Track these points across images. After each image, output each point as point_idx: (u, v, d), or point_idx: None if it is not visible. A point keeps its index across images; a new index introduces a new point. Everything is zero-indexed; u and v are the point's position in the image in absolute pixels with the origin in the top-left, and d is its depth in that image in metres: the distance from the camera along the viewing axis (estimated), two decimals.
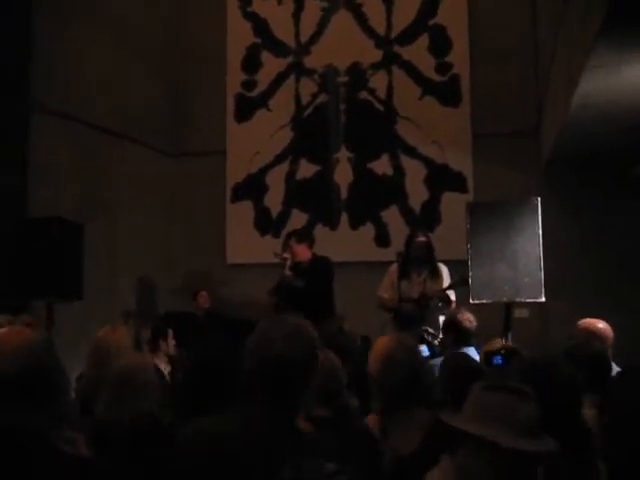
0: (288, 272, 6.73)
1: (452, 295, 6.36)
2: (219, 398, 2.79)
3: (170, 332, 5.88)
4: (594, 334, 4.26)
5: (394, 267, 6.49)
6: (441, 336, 6.21)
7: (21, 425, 1.86)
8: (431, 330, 5.27)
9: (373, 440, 2.64)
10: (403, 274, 6.38)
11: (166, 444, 2.27)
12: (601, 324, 4.38)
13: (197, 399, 2.88)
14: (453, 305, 6.33)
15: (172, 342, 5.83)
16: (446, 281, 6.33)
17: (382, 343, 2.80)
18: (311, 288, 6.59)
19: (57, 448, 1.91)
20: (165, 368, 5.47)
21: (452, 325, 5.01)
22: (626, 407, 2.13)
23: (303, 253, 6.89)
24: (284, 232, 8.91)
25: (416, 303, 6.25)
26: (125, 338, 3.93)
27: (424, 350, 4.69)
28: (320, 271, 6.77)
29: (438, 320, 6.16)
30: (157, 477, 2.28)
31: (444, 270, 6.45)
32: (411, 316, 6.17)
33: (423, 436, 2.51)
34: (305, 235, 7.29)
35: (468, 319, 4.97)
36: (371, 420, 2.69)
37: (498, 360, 3.79)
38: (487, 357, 3.89)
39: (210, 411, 2.16)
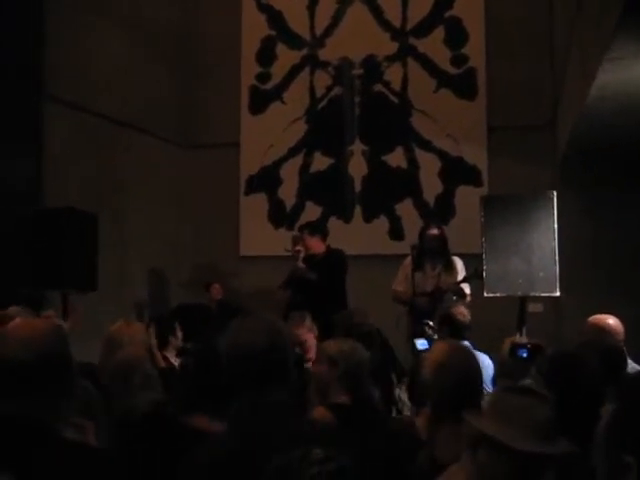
0: (301, 264, 6.72)
1: (467, 289, 6.34)
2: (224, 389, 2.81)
3: (177, 325, 5.88)
4: (604, 330, 4.19)
5: (408, 260, 6.48)
6: None
7: (23, 413, 1.86)
8: (432, 324, 5.26)
9: (395, 433, 2.63)
10: (417, 267, 6.38)
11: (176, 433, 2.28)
12: (611, 320, 4.31)
13: (202, 389, 2.89)
14: (468, 299, 6.32)
15: (180, 335, 5.84)
16: (461, 274, 6.31)
17: (438, 348, 2.80)
18: (324, 281, 6.58)
19: (59, 435, 1.92)
20: (175, 361, 5.48)
21: (446, 319, 5.02)
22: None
23: (316, 246, 6.88)
24: (297, 225, 8.92)
25: (430, 297, 6.23)
26: (139, 333, 3.96)
27: (423, 344, 4.67)
28: (333, 264, 6.77)
29: None
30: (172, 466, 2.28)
31: (459, 263, 6.44)
32: (425, 310, 6.15)
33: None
34: (318, 228, 7.29)
35: (462, 313, 4.98)
36: (420, 421, 2.67)
37: (523, 353, 3.80)
38: (513, 349, 3.90)
39: (215, 402, 2.18)
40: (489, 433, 2.01)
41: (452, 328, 4.92)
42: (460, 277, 6.29)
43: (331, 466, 1.58)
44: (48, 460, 1.82)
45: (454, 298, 6.25)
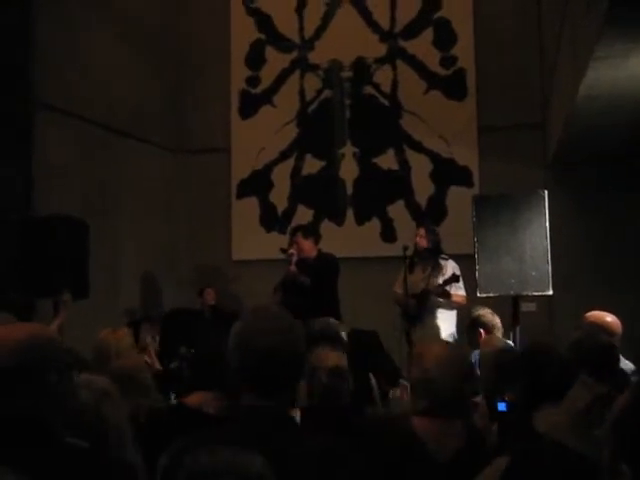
0: (293, 268, 6.71)
1: (461, 290, 6.38)
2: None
3: (147, 326, 5.90)
4: (601, 327, 4.19)
5: (407, 262, 6.55)
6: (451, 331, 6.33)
7: (25, 414, 1.87)
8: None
9: (374, 436, 2.63)
10: (410, 269, 6.45)
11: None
12: (609, 317, 4.31)
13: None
14: (458, 299, 6.36)
15: (157, 338, 5.86)
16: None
17: (433, 348, 2.79)
18: (315, 284, 6.57)
19: (58, 438, 1.92)
20: (155, 363, 5.48)
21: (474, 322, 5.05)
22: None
23: (309, 249, 6.87)
24: (290, 228, 8.91)
25: (417, 299, 6.32)
26: (125, 339, 3.99)
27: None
28: (325, 267, 6.75)
29: (435, 315, 6.35)
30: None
31: (450, 265, 6.46)
32: (413, 311, 6.28)
33: (461, 445, 2.50)
34: (311, 231, 7.28)
35: (484, 315, 5.01)
36: (417, 421, 2.66)
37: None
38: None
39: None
40: None
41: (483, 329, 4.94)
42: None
43: None
44: (49, 462, 1.82)
45: (440, 300, 6.34)
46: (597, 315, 4.35)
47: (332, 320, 4.45)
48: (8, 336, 1.94)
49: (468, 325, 5.19)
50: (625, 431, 1.37)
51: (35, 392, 1.90)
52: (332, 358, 3.17)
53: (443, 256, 6.55)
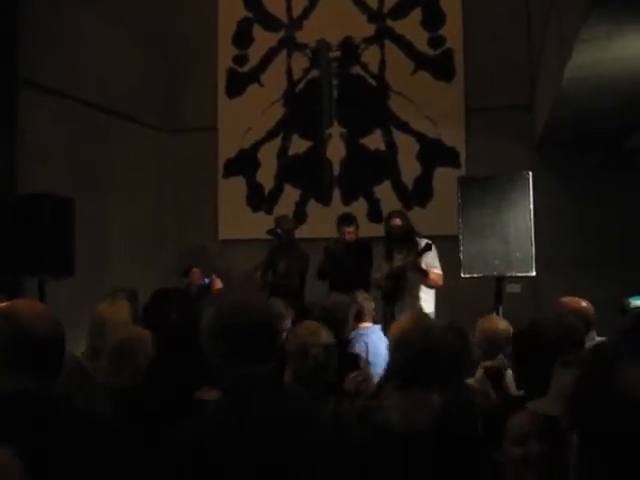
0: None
1: (437, 269, 6.42)
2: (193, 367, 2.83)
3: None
4: (575, 312, 4.17)
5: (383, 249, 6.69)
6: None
7: (40, 390, 1.92)
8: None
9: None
10: (387, 256, 6.55)
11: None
12: (584, 303, 4.30)
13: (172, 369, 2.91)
14: (434, 277, 6.40)
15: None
16: (432, 255, 6.38)
17: (399, 321, 2.82)
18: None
19: (76, 408, 2.02)
20: None
21: None
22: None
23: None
24: (276, 208, 8.93)
25: (392, 278, 6.37)
26: (120, 313, 3.99)
27: None
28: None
29: (415, 295, 6.41)
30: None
31: (423, 241, 6.47)
32: (389, 293, 6.34)
33: (435, 417, 2.53)
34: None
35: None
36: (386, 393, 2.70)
37: None
38: None
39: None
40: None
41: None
42: (431, 258, 6.37)
43: None
44: (67, 432, 1.89)
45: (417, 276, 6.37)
46: (572, 300, 4.32)
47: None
48: (42, 311, 1.99)
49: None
50: (573, 403, 1.41)
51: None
52: (324, 336, 3.19)
53: (417, 238, 6.58)
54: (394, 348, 2.69)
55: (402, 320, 2.83)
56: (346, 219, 7.28)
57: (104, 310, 3.95)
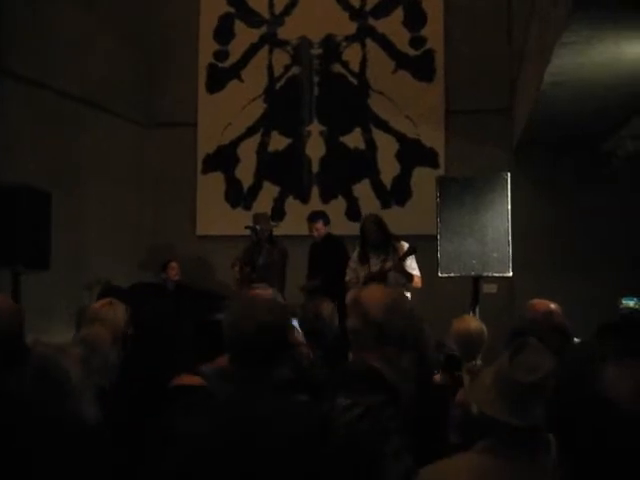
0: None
1: (416, 271, 6.41)
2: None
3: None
4: (545, 314, 4.15)
5: (356, 252, 6.71)
6: None
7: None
8: None
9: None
10: (363, 260, 6.52)
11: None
12: (553, 305, 4.30)
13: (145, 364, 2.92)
14: (416, 279, 6.40)
15: None
16: (411, 258, 6.38)
17: (381, 291, 2.78)
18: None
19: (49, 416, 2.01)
20: None
21: None
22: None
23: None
24: (255, 204, 8.91)
25: (374, 281, 6.35)
26: (122, 314, 3.91)
27: None
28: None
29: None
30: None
31: (405, 245, 6.47)
32: None
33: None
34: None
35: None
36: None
37: None
38: None
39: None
40: None
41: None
42: (409, 260, 6.36)
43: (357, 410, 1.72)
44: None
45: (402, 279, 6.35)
46: (541, 302, 4.31)
47: None
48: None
49: None
50: (552, 403, 1.43)
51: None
52: None
53: (395, 242, 6.56)
54: None
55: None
56: (311, 216, 7.32)
57: (104, 310, 3.86)
